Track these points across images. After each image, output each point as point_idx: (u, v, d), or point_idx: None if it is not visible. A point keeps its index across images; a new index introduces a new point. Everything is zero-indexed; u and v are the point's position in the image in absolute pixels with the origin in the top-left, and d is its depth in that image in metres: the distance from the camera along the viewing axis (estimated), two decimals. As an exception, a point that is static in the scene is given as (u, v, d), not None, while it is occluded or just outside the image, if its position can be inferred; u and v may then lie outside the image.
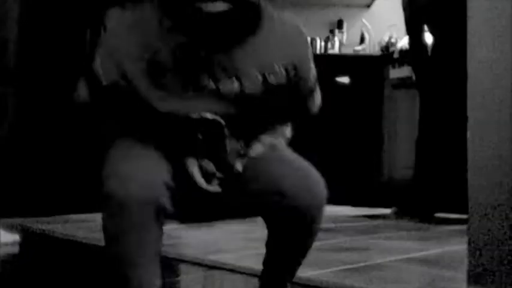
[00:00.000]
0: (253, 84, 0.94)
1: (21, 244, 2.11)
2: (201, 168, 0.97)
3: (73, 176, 3.04)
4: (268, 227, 1.02)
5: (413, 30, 3.22)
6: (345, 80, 4.40)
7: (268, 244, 1.05)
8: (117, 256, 0.90)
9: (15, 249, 2.05)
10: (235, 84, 0.93)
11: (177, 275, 1.67)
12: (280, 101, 1.02)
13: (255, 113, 0.99)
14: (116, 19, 0.95)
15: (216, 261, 1.70)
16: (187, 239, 2.28)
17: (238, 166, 0.99)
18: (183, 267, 1.72)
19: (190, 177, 0.96)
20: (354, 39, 4.87)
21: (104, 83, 0.97)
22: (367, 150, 4.29)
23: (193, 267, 1.69)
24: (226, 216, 1.12)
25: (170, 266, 1.75)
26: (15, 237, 2.11)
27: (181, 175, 0.94)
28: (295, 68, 0.99)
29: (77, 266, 1.79)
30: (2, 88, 2.92)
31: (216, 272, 1.63)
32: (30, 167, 2.91)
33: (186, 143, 0.96)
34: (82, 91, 1.04)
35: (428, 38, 3.18)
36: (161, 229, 0.96)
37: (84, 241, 2.12)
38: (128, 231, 0.88)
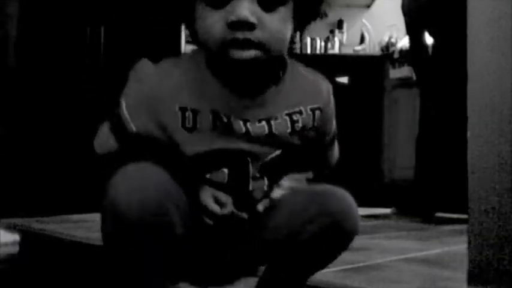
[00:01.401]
0: (281, 126, 0.99)
1: (21, 244, 2.10)
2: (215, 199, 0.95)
3: (73, 176, 3.04)
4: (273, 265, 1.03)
5: (414, 32, 3.22)
6: (345, 80, 4.41)
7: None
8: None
9: (15, 249, 2.06)
10: (265, 127, 0.97)
11: (177, 275, 1.67)
12: (305, 145, 1.04)
13: (281, 155, 1.02)
14: (149, 69, 0.97)
15: (216, 261, 1.70)
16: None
17: (260, 206, 1.00)
18: (183, 267, 1.72)
19: (202, 210, 0.94)
20: (354, 39, 4.87)
21: (134, 129, 0.96)
22: (367, 150, 4.29)
23: (193, 267, 1.69)
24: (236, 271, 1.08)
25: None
26: (15, 237, 2.11)
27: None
28: (320, 110, 1.03)
29: (76, 266, 1.79)
30: (2, 89, 2.92)
31: (216, 272, 1.63)
32: (30, 167, 2.91)
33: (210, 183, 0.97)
34: (107, 139, 1.04)
35: (429, 39, 3.19)
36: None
37: (84, 241, 2.12)
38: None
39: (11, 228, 2.34)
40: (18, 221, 2.58)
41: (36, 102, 2.94)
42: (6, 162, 2.87)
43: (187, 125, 0.94)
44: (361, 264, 1.69)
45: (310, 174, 1.15)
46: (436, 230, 2.64)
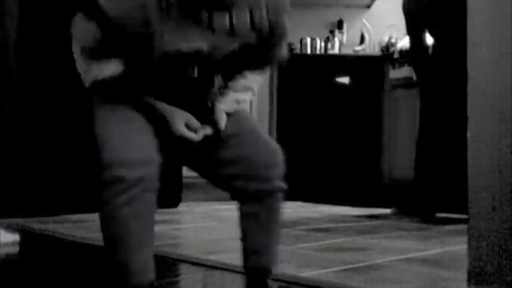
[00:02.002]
0: (242, 19, 1.04)
1: (21, 244, 2.11)
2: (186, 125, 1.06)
3: (72, 176, 3.04)
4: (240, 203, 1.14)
5: (415, 32, 3.22)
6: (345, 80, 4.41)
7: (243, 228, 1.14)
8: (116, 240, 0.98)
9: (15, 249, 2.06)
10: (226, 18, 1.02)
11: (177, 275, 1.67)
12: (260, 44, 1.09)
13: (240, 53, 1.07)
14: None
15: (216, 261, 1.70)
16: (187, 239, 2.29)
17: (222, 123, 1.09)
18: (183, 267, 1.73)
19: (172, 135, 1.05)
20: (354, 40, 4.87)
21: (114, 13, 0.99)
22: (367, 150, 4.30)
23: (193, 267, 1.70)
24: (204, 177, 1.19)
25: (170, 266, 1.75)
26: (15, 237, 2.11)
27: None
28: (273, 10, 1.09)
29: (76, 266, 1.79)
30: (1, 89, 2.92)
31: (216, 272, 1.63)
32: (30, 167, 2.91)
33: (178, 83, 1.07)
34: (87, 26, 1.05)
35: (429, 39, 3.19)
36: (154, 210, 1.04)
37: (84, 241, 2.12)
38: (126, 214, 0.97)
39: (11, 228, 2.34)
40: (18, 221, 2.58)
41: (36, 102, 2.94)
42: (6, 162, 2.87)
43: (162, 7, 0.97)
44: (361, 264, 1.69)
45: (260, 78, 1.20)
46: (436, 230, 2.64)
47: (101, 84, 1.07)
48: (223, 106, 1.12)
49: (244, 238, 1.15)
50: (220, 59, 1.07)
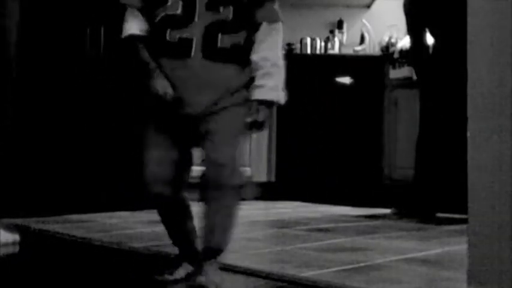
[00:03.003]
0: None
1: (21, 244, 2.10)
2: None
3: (73, 176, 3.04)
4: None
5: (415, 32, 3.22)
6: (345, 80, 4.40)
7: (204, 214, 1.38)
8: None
9: (15, 249, 2.05)
10: None
11: (177, 275, 1.67)
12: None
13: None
14: None
15: (216, 261, 1.70)
16: (187, 239, 2.29)
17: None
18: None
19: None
20: (354, 40, 4.87)
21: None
22: (367, 151, 4.29)
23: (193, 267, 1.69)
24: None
25: (170, 266, 1.75)
26: (15, 237, 2.11)
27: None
28: None
29: (76, 266, 1.79)
30: (1, 90, 2.92)
31: (216, 272, 1.63)
32: (30, 167, 2.91)
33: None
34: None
35: (430, 39, 3.19)
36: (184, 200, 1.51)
37: (84, 241, 2.12)
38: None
39: (11, 228, 2.34)
40: (18, 221, 2.58)
41: (36, 102, 2.94)
42: (6, 162, 2.87)
43: None
44: (361, 264, 1.69)
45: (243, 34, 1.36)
46: (436, 230, 2.64)
47: (126, 40, 1.41)
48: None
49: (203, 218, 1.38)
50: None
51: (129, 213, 3.06)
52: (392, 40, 4.53)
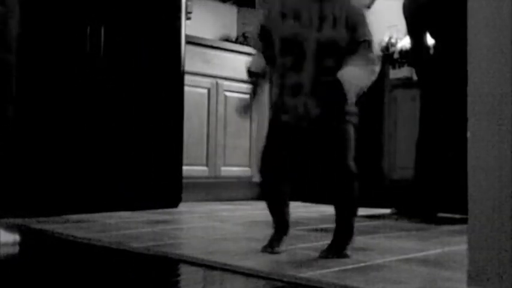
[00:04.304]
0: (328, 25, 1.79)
1: (21, 244, 2.11)
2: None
3: (73, 176, 3.04)
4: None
5: (415, 33, 3.22)
6: (345, 80, 4.40)
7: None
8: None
9: (15, 249, 2.06)
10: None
11: (177, 275, 1.68)
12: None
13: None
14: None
15: (216, 261, 1.70)
16: (187, 239, 2.29)
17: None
18: (183, 267, 1.73)
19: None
20: (354, 40, 4.86)
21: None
22: (367, 151, 4.29)
23: (193, 267, 1.70)
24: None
25: (170, 266, 1.75)
26: (15, 237, 2.11)
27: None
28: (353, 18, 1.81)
29: (76, 266, 1.79)
30: (1, 90, 2.92)
31: (216, 272, 1.63)
32: (30, 167, 2.91)
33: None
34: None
35: (430, 39, 3.19)
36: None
37: (84, 241, 2.12)
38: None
39: (11, 228, 2.34)
40: (18, 221, 2.58)
41: (37, 102, 2.94)
42: (6, 162, 2.87)
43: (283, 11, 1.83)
44: (361, 264, 1.69)
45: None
46: (436, 230, 2.64)
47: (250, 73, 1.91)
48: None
49: None
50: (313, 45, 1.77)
51: (129, 213, 3.06)
52: (392, 40, 4.53)
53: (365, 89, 1.83)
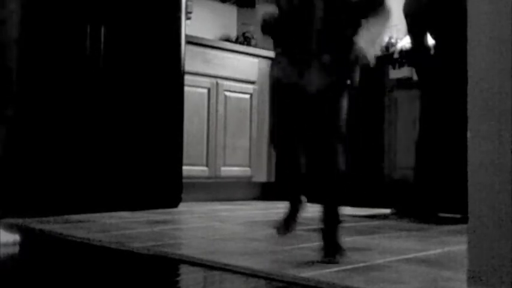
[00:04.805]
0: None
1: (21, 244, 2.11)
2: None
3: (73, 176, 3.04)
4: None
5: (415, 33, 3.22)
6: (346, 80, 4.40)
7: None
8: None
9: (15, 249, 2.06)
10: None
11: (177, 275, 1.68)
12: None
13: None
14: None
15: (216, 261, 1.70)
16: (187, 239, 2.29)
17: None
18: (183, 267, 1.73)
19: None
20: (354, 40, 4.86)
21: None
22: (367, 151, 4.29)
23: (193, 267, 1.70)
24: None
25: (170, 266, 1.75)
26: (15, 237, 2.11)
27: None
28: None
29: (76, 266, 1.79)
30: (2, 90, 2.92)
31: (216, 272, 1.63)
32: (31, 167, 2.91)
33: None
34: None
35: (430, 39, 3.19)
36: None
37: (84, 241, 2.12)
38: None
39: (11, 228, 2.34)
40: (18, 221, 2.58)
41: (37, 102, 2.94)
42: (6, 162, 2.87)
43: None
44: (361, 264, 1.69)
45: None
46: (436, 230, 2.64)
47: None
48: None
49: None
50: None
51: (129, 213, 3.06)
52: (392, 40, 4.53)
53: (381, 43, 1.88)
